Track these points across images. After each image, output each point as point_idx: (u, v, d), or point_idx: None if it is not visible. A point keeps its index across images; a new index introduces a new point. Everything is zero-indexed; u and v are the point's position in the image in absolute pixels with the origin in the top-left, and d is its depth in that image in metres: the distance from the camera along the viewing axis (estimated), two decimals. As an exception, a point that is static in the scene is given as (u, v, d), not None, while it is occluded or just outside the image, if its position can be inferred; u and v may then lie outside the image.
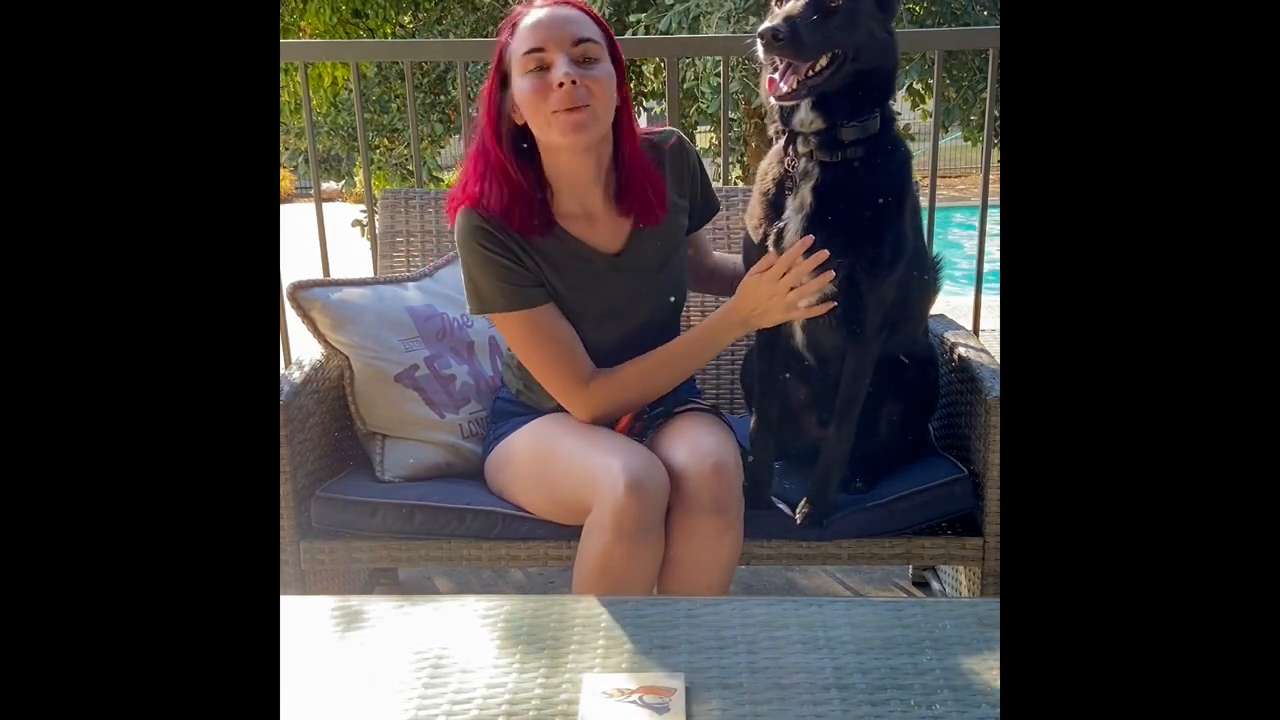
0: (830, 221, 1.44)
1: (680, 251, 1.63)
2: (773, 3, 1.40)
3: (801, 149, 1.44)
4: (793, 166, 1.46)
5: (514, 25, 1.47)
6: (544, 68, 1.42)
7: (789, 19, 1.32)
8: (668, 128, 1.66)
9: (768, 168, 1.52)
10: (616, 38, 1.51)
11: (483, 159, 1.51)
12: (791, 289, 1.44)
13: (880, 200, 1.45)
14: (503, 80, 1.49)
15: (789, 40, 1.31)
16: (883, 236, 1.46)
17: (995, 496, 1.59)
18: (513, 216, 1.49)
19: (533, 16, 1.45)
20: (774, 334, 1.59)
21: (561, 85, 1.40)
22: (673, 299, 1.63)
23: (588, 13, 1.49)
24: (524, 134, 1.50)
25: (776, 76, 1.37)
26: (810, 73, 1.36)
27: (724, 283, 1.78)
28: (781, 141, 1.49)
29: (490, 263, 1.49)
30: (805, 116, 1.41)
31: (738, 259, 1.79)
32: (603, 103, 1.44)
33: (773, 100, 1.39)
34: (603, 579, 1.37)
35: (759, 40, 1.33)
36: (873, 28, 1.38)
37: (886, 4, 1.40)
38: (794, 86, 1.35)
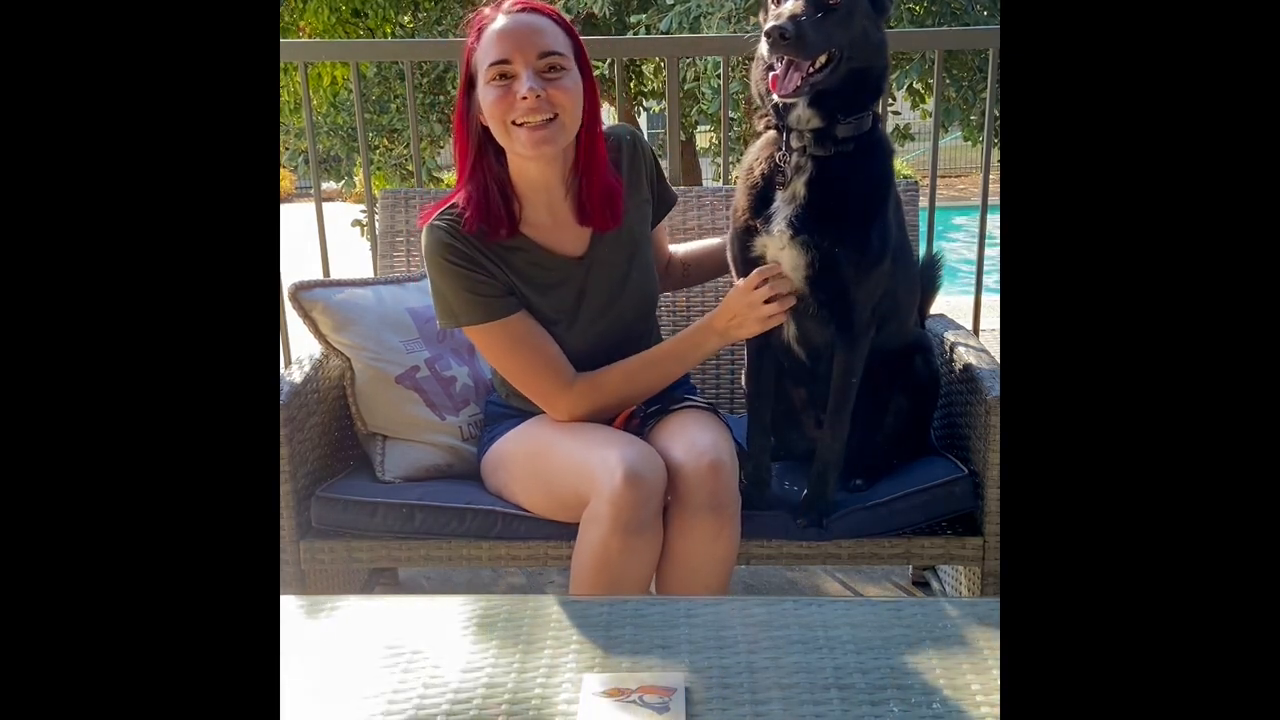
0: (821, 214, 1.45)
1: (645, 250, 1.63)
2: (770, 2, 1.41)
3: (795, 144, 1.46)
4: (784, 160, 1.47)
5: (480, 30, 1.47)
6: (508, 78, 1.43)
7: (794, 18, 1.33)
8: (623, 125, 1.67)
9: (753, 161, 1.53)
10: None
11: (459, 158, 1.54)
12: (767, 301, 1.48)
13: (868, 193, 1.48)
14: (469, 83, 1.49)
15: (795, 39, 1.32)
16: (871, 228, 1.48)
17: (995, 496, 1.59)
18: (476, 218, 1.49)
19: (499, 24, 1.44)
20: (766, 333, 1.59)
21: (525, 99, 1.41)
22: (643, 298, 1.63)
23: (556, 19, 1.49)
24: (490, 134, 1.50)
25: (779, 74, 1.38)
26: (811, 70, 1.37)
27: (685, 268, 1.80)
28: (767, 133, 1.51)
29: (457, 276, 1.49)
30: (803, 114, 1.43)
31: (684, 251, 1.81)
32: (569, 113, 1.45)
33: (776, 98, 1.40)
34: (600, 572, 1.37)
35: (765, 39, 1.35)
36: (866, 26, 1.40)
37: (879, 3, 1.42)
38: (798, 84, 1.36)
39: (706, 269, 1.81)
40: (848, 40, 1.38)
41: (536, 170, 1.51)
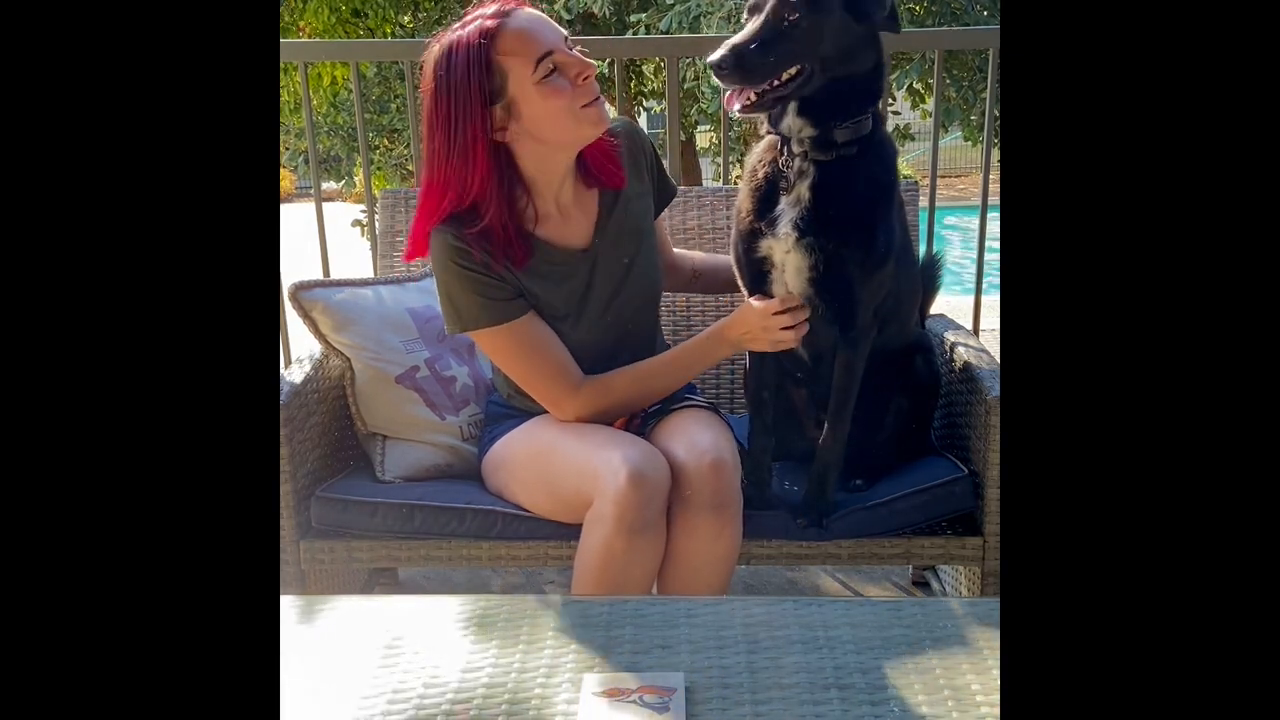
0: (826, 216, 1.46)
1: (650, 242, 1.63)
2: (744, 14, 1.43)
3: (796, 149, 1.46)
4: (787, 166, 1.47)
5: (491, 37, 1.41)
6: (557, 69, 1.42)
7: (734, 48, 1.36)
8: (620, 117, 1.68)
9: (756, 164, 1.54)
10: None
11: (462, 186, 1.46)
12: (783, 328, 1.50)
13: (873, 195, 1.48)
14: (490, 98, 1.41)
15: (732, 69, 1.37)
16: (876, 230, 1.48)
17: (995, 496, 1.59)
18: (499, 251, 1.48)
19: (518, 22, 1.42)
20: None
21: (588, 78, 1.43)
22: (647, 290, 1.64)
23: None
24: (500, 149, 1.47)
25: (729, 95, 1.42)
26: (775, 84, 1.39)
27: (681, 279, 1.80)
28: (769, 136, 1.52)
29: (468, 280, 1.49)
30: (793, 123, 1.44)
31: (696, 256, 1.83)
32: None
33: (734, 113, 1.43)
34: (604, 572, 1.37)
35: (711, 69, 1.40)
36: (843, 37, 1.39)
37: (862, 12, 1.39)
38: (748, 102, 1.39)
39: (716, 283, 1.80)
40: (813, 54, 1.38)
41: (565, 159, 1.51)
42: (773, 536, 1.60)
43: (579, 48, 1.47)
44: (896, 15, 1.44)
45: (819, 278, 1.48)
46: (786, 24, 1.36)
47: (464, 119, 1.42)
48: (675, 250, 1.81)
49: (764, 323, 1.50)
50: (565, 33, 1.47)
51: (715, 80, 1.45)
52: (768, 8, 1.37)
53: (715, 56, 1.37)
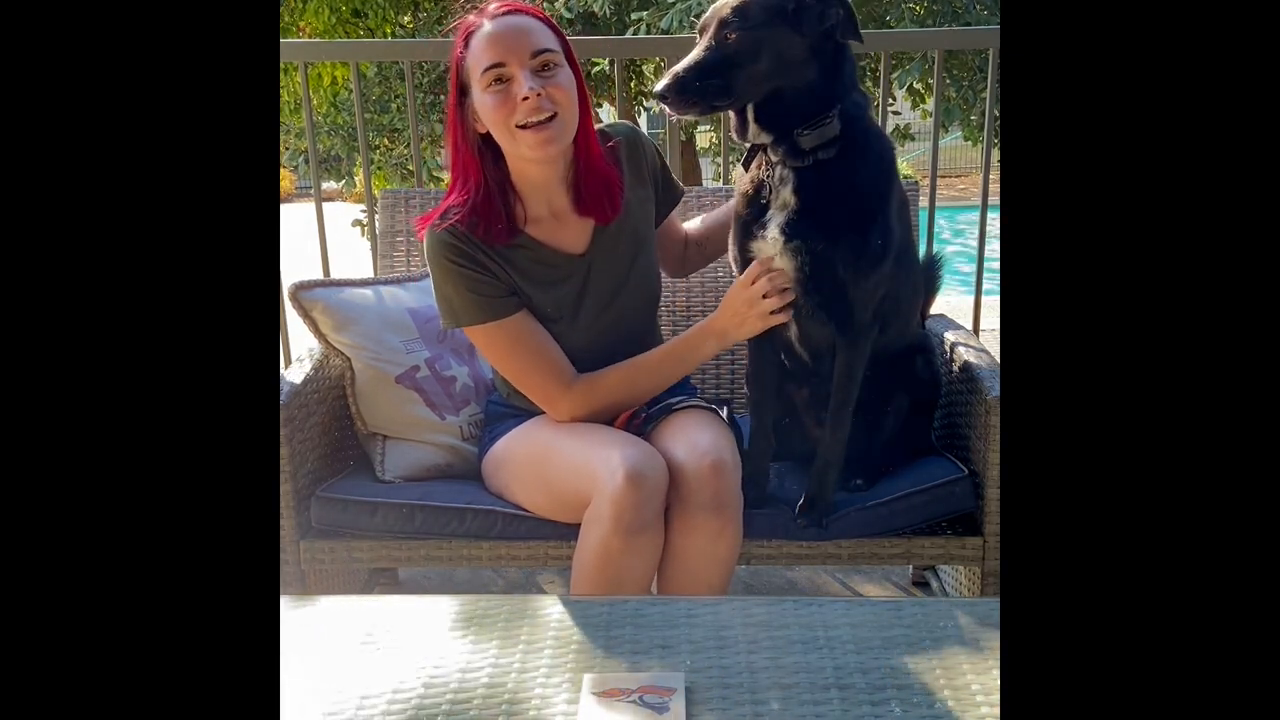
0: (813, 218, 1.46)
1: (649, 248, 1.63)
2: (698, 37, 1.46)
3: (773, 157, 1.48)
4: (768, 174, 1.49)
5: (467, 37, 1.47)
6: (504, 81, 1.43)
7: (676, 76, 1.40)
8: (622, 122, 1.67)
9: (749, 170, 1.54)
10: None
11: (455, 167, 1.54)
12: (765, 296, 1.49)
13: (861, 195, 1.48)
14: (461, 91, 1.49)
15: (675, 97, 1.41)
16: (867, 230, 1.48)
17: (995, 496, 1.59)
18: (479, 221, 1.50)
19: (487, 29, 1.45)
20: (766, 336, 1.59)
21: (526, 100, 1.41)
22: (645, 296, 1.64)
23: (540, 18, 1.49)
24: (489, 140, 1.51)
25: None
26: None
27: (701, 245, 1.79)
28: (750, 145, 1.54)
29: (461, 276, 1.50)
30: (753, 130, 1.47)
31: (703, 220, 1.81)
32: (568, 110, 1.46)
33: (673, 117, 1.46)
34: (602, 572, 1.37)
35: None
36: (784, 51, 1.40)
37: (804, 26, 1.40)
38: (683, 112, 1.42)
39: (718, 241, 1.75)
40: (753, 70, 1.39)
41: (539, 172, 1.52)
42: (773, 536, 1.60)
43: (555, 75, 1.45)
44: (854, 23, 1.42)
45: (809, 279, 1.48)
46: (727, 43, 1.39)
47: (453, 105, 1.51)
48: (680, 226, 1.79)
49: (747, 295, 1.50)
50: (543, 47, 1.45)
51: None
52: (710, 30, 1.41)
53: (659, 86, 1.41)
